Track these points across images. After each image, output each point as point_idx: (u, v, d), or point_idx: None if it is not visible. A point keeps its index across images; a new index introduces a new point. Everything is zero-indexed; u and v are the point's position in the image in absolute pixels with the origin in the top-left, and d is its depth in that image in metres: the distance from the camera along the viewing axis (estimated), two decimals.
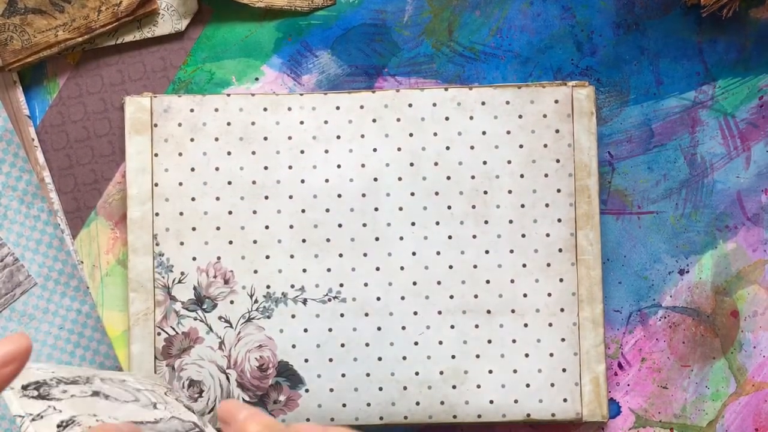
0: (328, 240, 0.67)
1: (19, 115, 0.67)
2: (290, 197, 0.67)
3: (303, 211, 0.67)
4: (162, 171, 0.67)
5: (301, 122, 0.67)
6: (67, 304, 0.67)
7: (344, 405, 0.67)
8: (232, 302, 0.67)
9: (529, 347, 0.67)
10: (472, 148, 0.67)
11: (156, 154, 0.67)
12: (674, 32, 0.69)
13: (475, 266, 0.67)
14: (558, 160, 0.67)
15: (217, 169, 0.67)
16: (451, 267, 0.67)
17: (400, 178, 0.67)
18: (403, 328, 0.67)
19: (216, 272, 0.67)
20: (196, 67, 0.68)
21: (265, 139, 0.67)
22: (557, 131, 0.67)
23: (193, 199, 0.67)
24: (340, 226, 0.67)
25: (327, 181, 0.67)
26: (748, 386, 0.68)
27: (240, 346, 0.67)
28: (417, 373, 0.67)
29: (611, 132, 0.69)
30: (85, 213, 0.68)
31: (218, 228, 0.67)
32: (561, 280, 0.67)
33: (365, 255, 0.67)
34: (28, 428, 0.49)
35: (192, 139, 0.67)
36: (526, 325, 0.67)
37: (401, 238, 0.67)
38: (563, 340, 0.67)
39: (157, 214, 0.67)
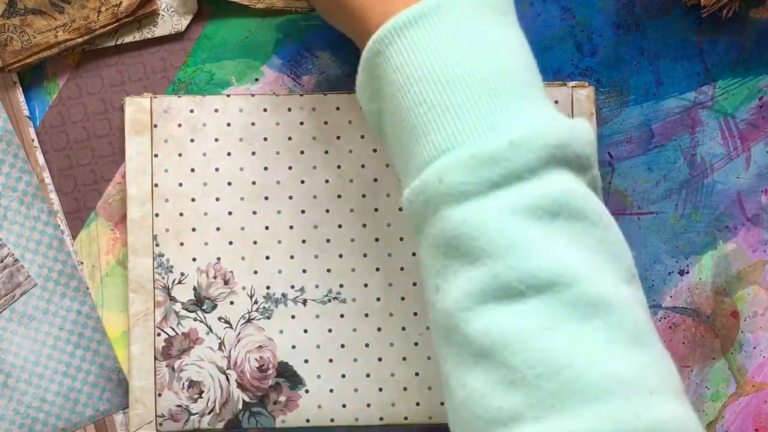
0: (328, 240, 0.67)
1: (19, 115, 0.67)
2: (290, 198, 0.67)
3: (303, 211, 0.67)
4: (162, 171, 0.67)
5: (301, 123, 0.67)
6: (67, 304, 0.67)
7: (344, 405, 0.67)
8: (232, 303, 0.67)
9: None
10: None
11: (156, 155, 0.67)
12: (674, 32, 0.69)
13: None
14: None
15: (217, 169, 0.67)
16: None
17: (400, 179, 0.67)
18: (403, 328, 0.67)
19: (216, 273, 0.67)
20: (196, 67, 0.68)
21: (265, 139, 0.67)
22: None
23: (193, 199, 0.67)
24: (340, 226, 0.67)
25: (327, 181, 0.67)
26: (748, 387, 0.68)
27: (240, 346, 0.67)
28: (417, 374, 0.67)
29: (611, 132, 0.69)
30: (85, 214, 0.68)
31: (218, 229, 0.67)
32: None
33: (365, 255, 0.67)
34: None
35: (192, 140, 0.67)
36: None
37: (401, 239, 0.67)
38: None
39: (157, 215, 0.67)
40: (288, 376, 0.67)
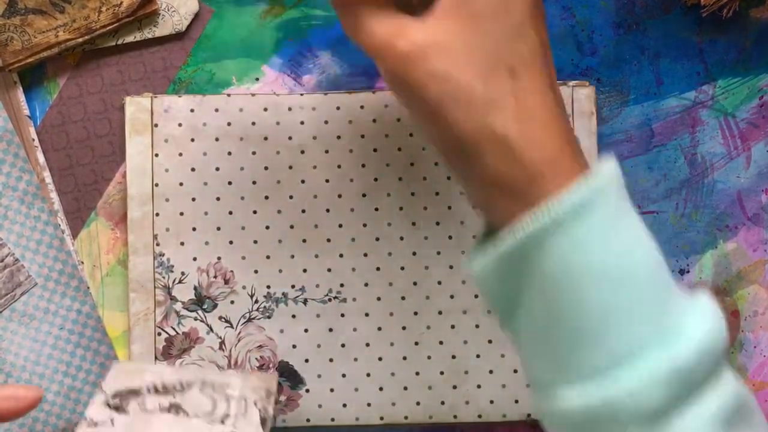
0: (328, 240, 0.67)
1: (20, 115, 0.67)
2: (290, 197, 0.67)
3: (303, 211, 0.67)
4: (162, 171, 0.67)
5: (302, 122, 0.67)
6: (67, 304, 0.67)
7: (344, 405, 0.67)
8: (232, 302, 0.67)
9: None
10: None
11: (156, 155, 0.67)
12: (674, 32, 0.69)
13: None
14: None
15: (217, 169, 0.67)
16: (451, 267, 0.67)
17: (400, 179, 0.67)
18: (404, 328, 0.67)
19: (216, 272, 0.67)
20: (196, 67, 0.68)
21: (266, 139, 0.67)
22: None
23: (193, 199, 0.67)
24: (340, 226, 0.67)
25: (327, 181, 0.67)
26: (748, 386, 0.68)
27: (240, 346, 0.67)
28: (417, 373, 0.67)
29: (611, 132, 0.69)
30: (85, 213, 0.68)
31: (219, 228, 0.67)
32: None
33: (366, 255, 0.67)
34: None
35: (192, 140, 0.67)
36: None
37: (401, 238, 0.67)
38: None
39: (157, 215, 0.67)
40: (288, 375, 0.67)
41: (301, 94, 0.67)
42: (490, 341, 0.67)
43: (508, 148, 0.47)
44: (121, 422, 0.55)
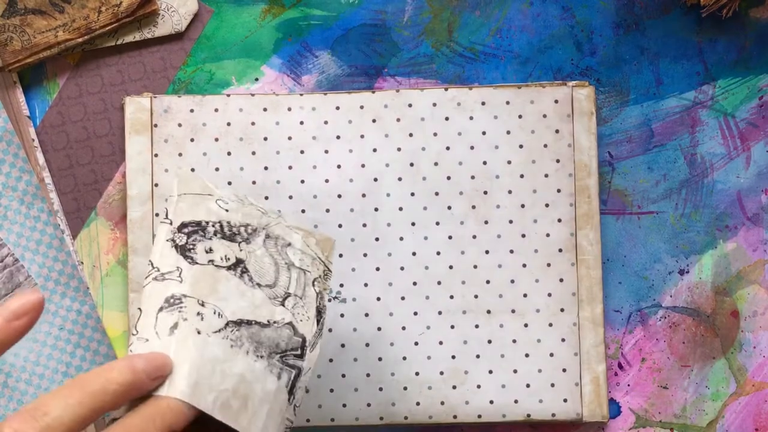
0: None
1: (19, 115, 0.67)
2: (290, 197, 0.67)
3: (303, 211, 0.67)
4: (162, 171, 0.67)
5: (301, 122, 0.67)
6: (67, 304, 0.67)
7: (344, 405, 0.67)
8: None
9: (529, 347, 0.67)
10: (472, 148, 0.67)
11: (156, 155, 0.67)
12: (674, 32, 0.69)
13: (475, 266, 0.67)
14: (558, 160, 0.67)
15: (217, 169, 0.67)
16: (451, 267, 0.67)
17: (400, 179, 0.67)
18: (403, 328, 0.67)
19: None
20: (196, 67, 0.68)
21: (265, 139, 0.67)
22: (557, 131, 0.67)
23: None
24: (340, 226, 0.67)
25: (327, 181, 0.67)
26: (748, 386, 0.68)
27: None
28: (417, 374, 0.67)
29: (611, 132, 0.69)
30: (85, 213, 0.68)
31: None
32: (561, 280, 0.67)
33: (365, 255, 0.67)
34: (146, 285, 0.53)
35: (192, 140, 0.67)
36: (526, 325, 0.67)
37: (401, 239, 0.67)
38: (563, 340, 0.67)
39: (157, 215, 0.67)
40: None
41: (301, 94, 0.67)
42: (490, 341, 0.67)
43: None
44: (189, 275, 0.53)
